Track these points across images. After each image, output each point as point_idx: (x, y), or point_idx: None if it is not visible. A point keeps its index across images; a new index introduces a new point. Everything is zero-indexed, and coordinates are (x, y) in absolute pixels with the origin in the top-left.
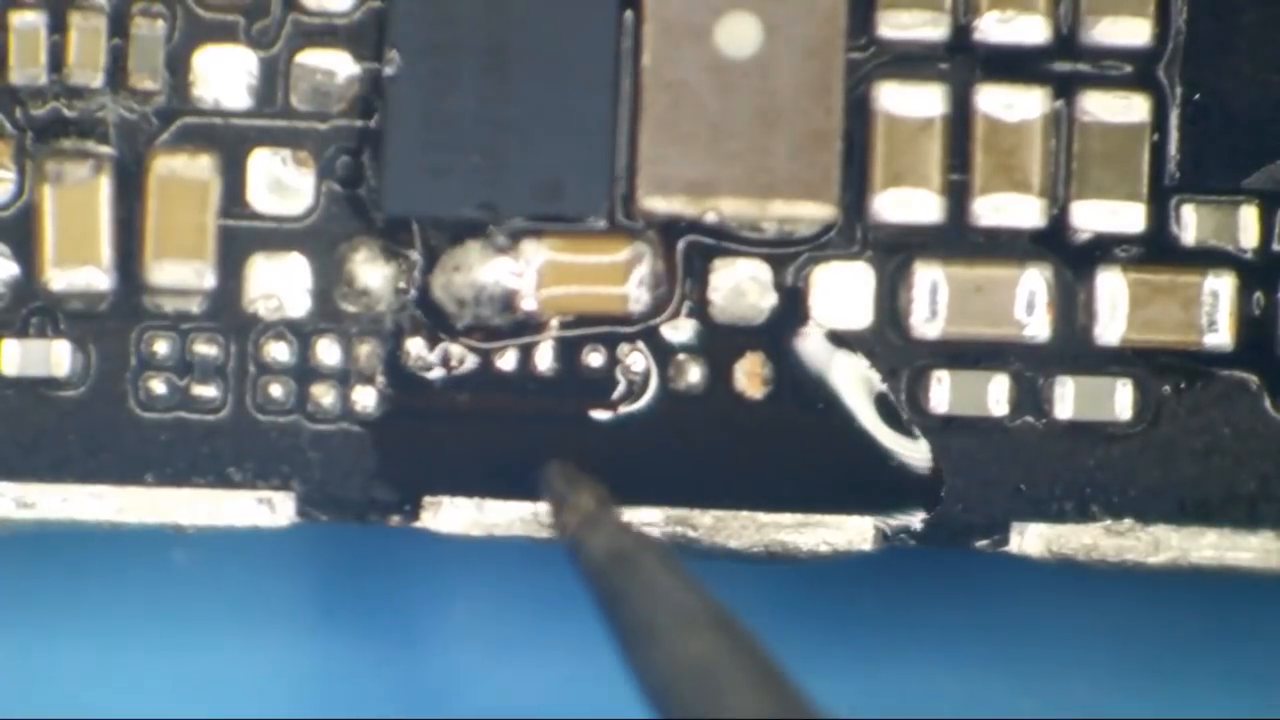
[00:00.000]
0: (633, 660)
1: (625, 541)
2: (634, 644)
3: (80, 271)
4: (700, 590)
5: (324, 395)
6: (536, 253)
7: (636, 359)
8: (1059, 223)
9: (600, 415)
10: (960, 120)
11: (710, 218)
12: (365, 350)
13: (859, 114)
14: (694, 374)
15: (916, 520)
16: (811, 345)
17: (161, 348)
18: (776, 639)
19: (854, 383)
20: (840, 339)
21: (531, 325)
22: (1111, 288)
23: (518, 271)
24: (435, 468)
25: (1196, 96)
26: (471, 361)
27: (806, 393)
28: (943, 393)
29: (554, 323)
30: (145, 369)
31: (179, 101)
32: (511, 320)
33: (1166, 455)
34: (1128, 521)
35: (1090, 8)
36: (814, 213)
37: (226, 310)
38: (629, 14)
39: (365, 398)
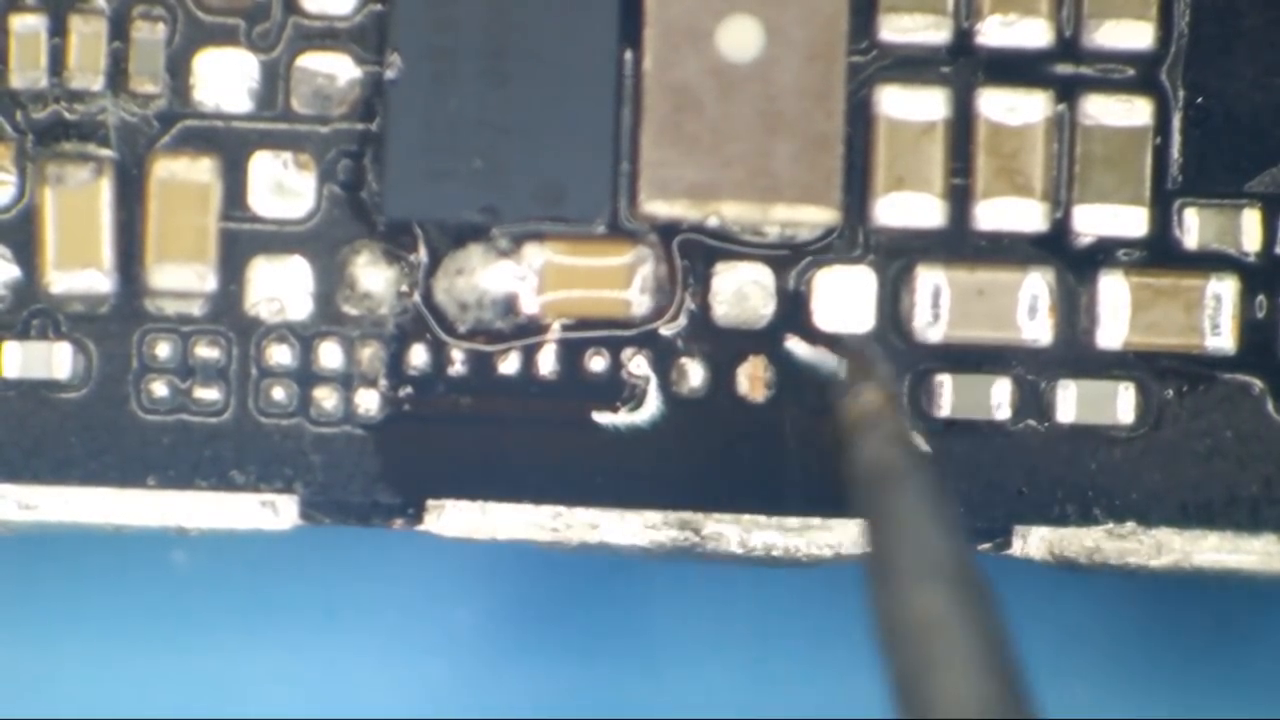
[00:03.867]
0: (867, 594)
1: (893, 458)
2: (871, 578)
3: (81, 274)
4: (951, 536)
5: (326, 398)
6: (538, 256)
7: (639, 362)
8: (1061, 226)
9: (603, 418)
10: (962, 124)
11: (712, 221)
12: (367, 353)
13: (861, 118)
14: (696, 377)
15: None
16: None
17: (163, 350)
18: (778, 642)
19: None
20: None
21: (534, 328)
22: (1114, 291)
23: (520, 275)
24: (438, 471)
25: (1199, 100)
26: (473, 365)
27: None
28: (945, 396)
29: (556, 326)
30: (147, 371)
31: (180, 104)
32: (514, 324)
33: (1169, 458)
34: (1130, 524)
35: (1093, 11)
36: (816, 216)
37: (228, 313)
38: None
39: (368, 401)
